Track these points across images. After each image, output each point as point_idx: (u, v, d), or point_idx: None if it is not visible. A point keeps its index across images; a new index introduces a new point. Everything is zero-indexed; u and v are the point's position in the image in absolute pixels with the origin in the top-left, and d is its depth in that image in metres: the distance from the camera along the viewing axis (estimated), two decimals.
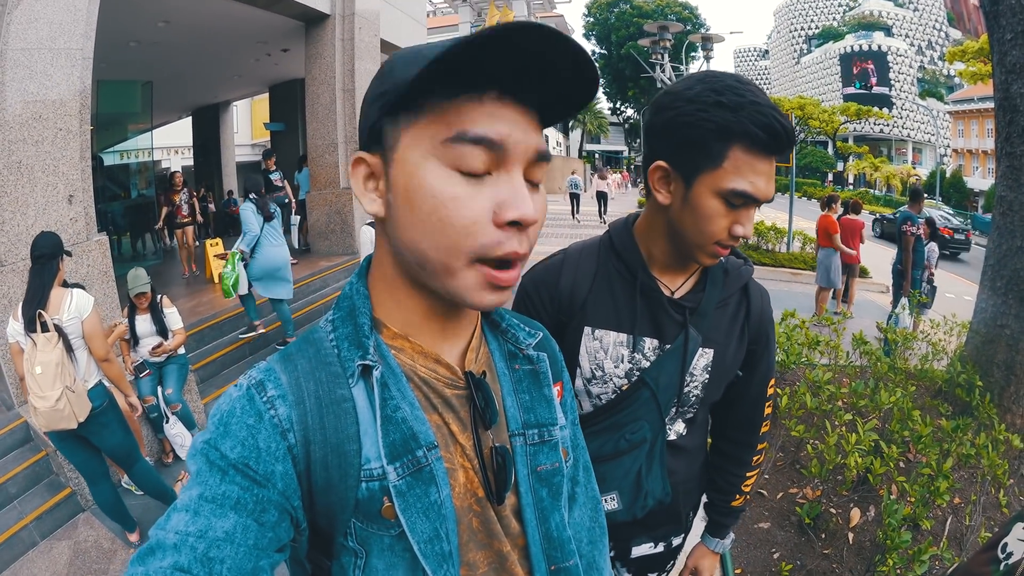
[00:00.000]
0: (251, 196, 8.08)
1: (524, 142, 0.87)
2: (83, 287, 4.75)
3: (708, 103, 1.43)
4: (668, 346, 1.65)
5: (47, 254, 4.33)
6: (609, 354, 1.67)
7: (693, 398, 1.72)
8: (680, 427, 1.80)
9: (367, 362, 0.93)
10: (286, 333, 8.56)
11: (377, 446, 0.91)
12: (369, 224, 6.88)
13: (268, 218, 7.99)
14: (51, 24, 5.64)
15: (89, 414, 4.33)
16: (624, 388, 1.68)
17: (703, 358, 1.69)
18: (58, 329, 4.24)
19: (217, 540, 0.80)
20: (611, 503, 1.70)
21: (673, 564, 2.08)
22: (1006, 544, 1.20)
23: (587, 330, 1.68)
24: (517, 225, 0.86)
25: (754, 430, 1.90)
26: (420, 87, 0.81)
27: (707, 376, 1.70)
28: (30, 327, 4.18)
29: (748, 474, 1.96)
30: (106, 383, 4.64)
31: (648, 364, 1.66)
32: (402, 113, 0.87)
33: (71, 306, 4.36)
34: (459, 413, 1.01)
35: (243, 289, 7.85)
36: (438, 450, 0.95)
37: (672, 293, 1.67)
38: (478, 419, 1.01)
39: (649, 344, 1.66)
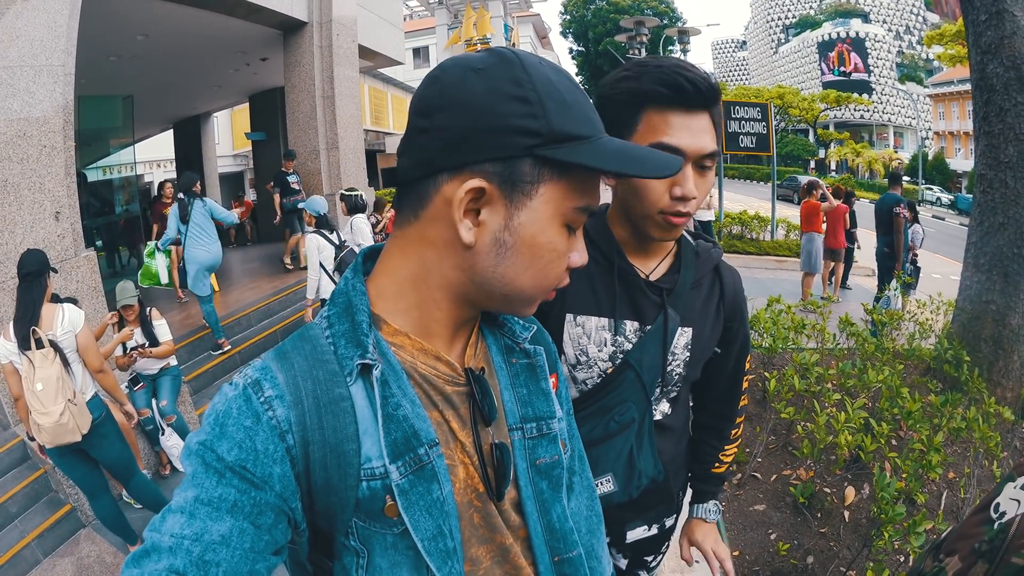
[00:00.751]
0: (180, 196, 8.32)
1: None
2: (76, 301, 4.76)
3: (616, 79, 1.53)
4: (649, 327, 1.69)
5: (34, 271, 4.32)
6: (592, 339, 1.70)
7: (676, 376, 1.75)
8: (665, 407, 1.85)
9: (367, 361, 0.92)
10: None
11: (378, 445, 0.91)
12: (312, 232, 7.07)
13: (183, 220, 8.23)
14: (32, 41, 5.62)
15: (90, 426, 4.34)
16: (609, 371, 1.71)
17: (683, 337, 1.72)
18: (53, 344, 4.23)
19: (213, 544, 0.80)
20: (606, 485, 1.70)
21: (667, 546, 2.10)
22: (998, 504, 1.20)
23: (569, 317, 1.70)
24: None
25: (733, 403, 1.98)
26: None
27: (688, 354, 1.74)
28: (24, 345, 4.16)
29: (727, 447, 2.03)
30: (101, 395, 4.65)
31: (631, 346, 1.69)
32: (547, 164, 0.89)
33: (64, 321, 4.36)
34: (459, 410, 1.02)
35: (163, 279, 8.23)
36: (439, 447, 0.95)
37: (647, 276, 1.71)
38: (478, 416, 1.02)
39: (630, 326, 1.70)
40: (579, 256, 1.00)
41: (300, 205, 9.59)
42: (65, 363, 4.28)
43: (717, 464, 2.03)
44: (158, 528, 0.82)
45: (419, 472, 0.93)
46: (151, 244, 8.33)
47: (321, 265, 6.94)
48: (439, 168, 0.90)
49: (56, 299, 4.56)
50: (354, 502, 0.91)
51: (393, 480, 0.90)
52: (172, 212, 8.26)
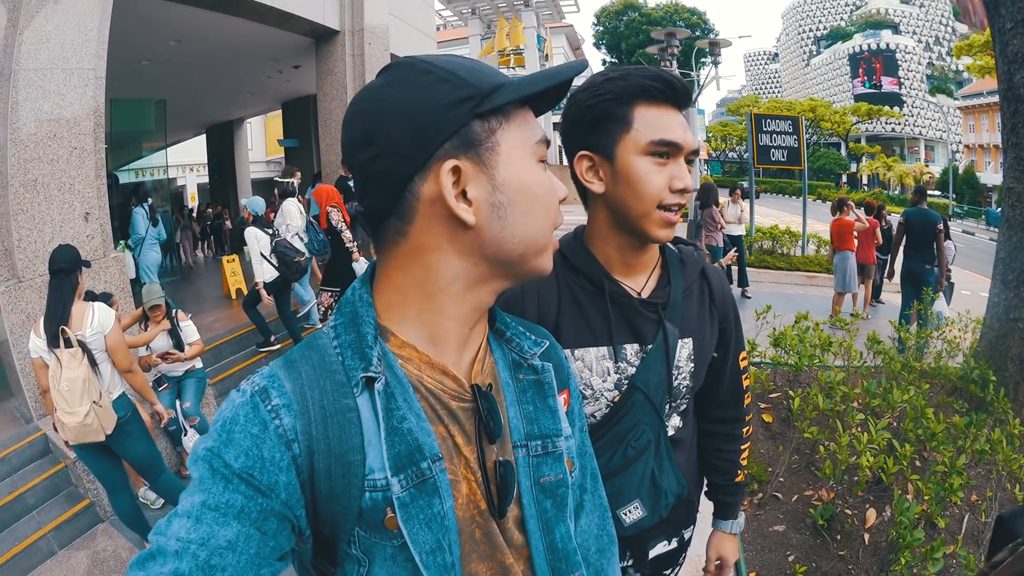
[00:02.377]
0: (143, 204, 9.98)
1: None
2: (110, 296, 4.81)
3: (598, 83, 1.56)
4: (650, 347, 1.66)
5: (65, 268, 4.33)
6: (595, 371, 1.66)
7: (684, 389, 1.74)
8: (676, 421, 1.83)
9: (370, 374, 0.93)
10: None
11: (381, 457, 0.92)
12: (251, 226, 8.37)
13: (155, 223, 10.03)
14: (63, 44, 5.73)
15: (115, 425, 4.38)
16: (616, 400, 1.68)
17: (684, 348, 1.71)
18: (82, 345, 4.26)
19: (219, 548, 0.81)
20: (635, 512, 1.68)
21: (684, 557, 2.07)
22: None
23: (566, 353, 1.63)
24: None
25: (739, 403, 1.97)
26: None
27: (692, 365, 1.73)
28: (53, 343, 4.19)
29: (742, 447, 2.02)
30: (129, 394, 4.69)
31: (634, 369, 1.67)
32: (493, 117, 0.96)
33: (94, 321, 4.39)
34: (464, 426, 1.01)
35: (131, 274, 9.04)
36: (442, 462, 0.96)
37: (639, 294, 1.69)
38: (483, 432, 1.02)
39: (630, 350, 1.67)
40: (560, 187, 1.05)
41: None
42: (93, 363, 4.31)
43: (739, 472, 2.03)
44: (164, 532, 0.82)
45: (421, 486, 0.93)
46: (121, 243, 9.19)
47: (261, 253, 8.16)
48: (409, 176, 0.94)
49: (92, 296, 4.61)
50: (357, 512, 0.92)
51: (394, 493, 0.91)
52: (138, 214, 9.65)
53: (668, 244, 1.79)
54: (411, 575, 0.94)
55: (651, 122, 1.51)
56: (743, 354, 1.95)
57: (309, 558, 0.98)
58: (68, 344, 4.20)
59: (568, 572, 1.10)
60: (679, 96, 1.53)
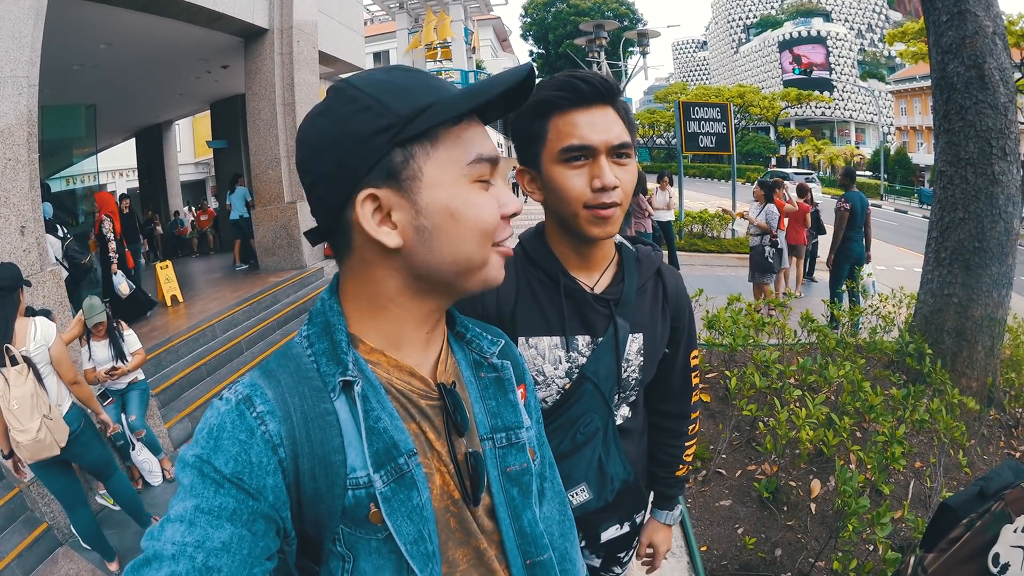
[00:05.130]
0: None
1: (498, 152, 1.04)
2: (49, 313, 4.74)
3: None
4: (600, 339, 1.74)
5: (7, 286, 4.27)
6: (547, 358, 1.74)
7: (633, 381, 1.82)
8: (625, 411, 1.91)
9: (348, 378, 0.97)
10: None
11: (363, 456, 0.96)
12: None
13: None
14: None
15: (69, 437, 4.32)
16: (567, 387, 1.76)
17: (635, 343, 1.79)
18: (27, 360, 4.19)
19: (215, 550, 0.83)
20: (581, 495, 1.77)
21: (638, 540, 2.17)
22: (998, 555, 1.11)
23: (521, 340, 1.74)
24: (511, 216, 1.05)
25: (685, 400, 2.04)
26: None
27: (641, 359, 1.81)
28: None
29: (687, 444, 2.10)
30: (78, 405, 4.63)
31: (585, 360, 1.74)
32: (416, 144, 0.96)
33: (37, 335, 4.33)
34: (434, 422, 1.07)
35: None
36: (417, 456, 1.00)
37: (592, 289, 1.76)
38: (451, 427, 1.08)
39: (582, 341, 1.75)
40: (509, 203, 1.05)
41: None
42: (39, 378, 4.24)
43: (680, 466, 2.10)
44: (157, 537, 0.84)
45: (400, 480, 0.98)
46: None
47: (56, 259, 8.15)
48: (340, 205, 0.99)
49: (31, 312, 4.54)
50: (341, 510, 0.96)
51: (377, 488, 0.96)
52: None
53: (626, 243, 1.87)
54: (395, 566, 0.99)
55: (562, 130, 1.59)
56: (695, 352, 2.02)
57: (293, 559, 1.01)
58: (14, 362, 4.13)
59: (537, 555, 1.17)
60: (590, 97, 1.59)
